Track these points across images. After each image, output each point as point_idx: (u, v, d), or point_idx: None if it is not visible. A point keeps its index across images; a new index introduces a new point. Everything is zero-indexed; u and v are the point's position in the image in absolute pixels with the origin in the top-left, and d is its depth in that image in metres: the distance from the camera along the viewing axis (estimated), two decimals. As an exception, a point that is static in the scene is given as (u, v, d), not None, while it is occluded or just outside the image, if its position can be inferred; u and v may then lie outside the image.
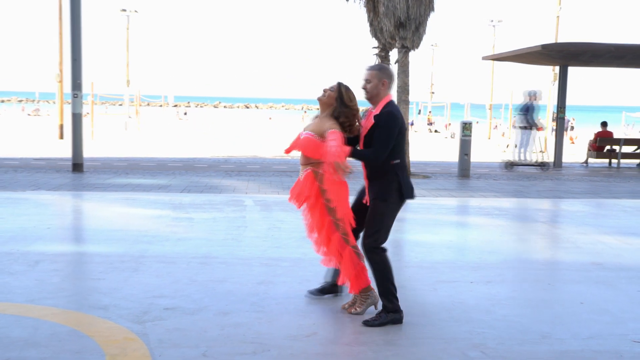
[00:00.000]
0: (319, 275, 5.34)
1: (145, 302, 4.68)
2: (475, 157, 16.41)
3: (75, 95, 13.08)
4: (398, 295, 4.40)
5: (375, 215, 4.35)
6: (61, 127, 27.43)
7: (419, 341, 4.06)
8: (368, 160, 4.35)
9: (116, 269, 5.55)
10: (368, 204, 4.44)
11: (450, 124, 43.47)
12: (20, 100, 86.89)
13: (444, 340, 4.08)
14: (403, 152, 4.45)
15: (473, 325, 4.35)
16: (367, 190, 4.45)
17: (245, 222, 7.81)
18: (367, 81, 4.42)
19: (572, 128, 39.84)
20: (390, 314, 4.34)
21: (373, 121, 4.34)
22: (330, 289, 4.90)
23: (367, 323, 4.35)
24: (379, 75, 4.41)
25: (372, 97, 4.44)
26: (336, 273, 4.71)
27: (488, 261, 6.14)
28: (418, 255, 6.31)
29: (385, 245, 4.39)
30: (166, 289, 5.00)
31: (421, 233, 7.34)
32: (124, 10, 40.90)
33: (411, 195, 4.45)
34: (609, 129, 18.94)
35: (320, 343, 4.01)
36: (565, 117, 20.31)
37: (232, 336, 4.04)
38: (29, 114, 56.62)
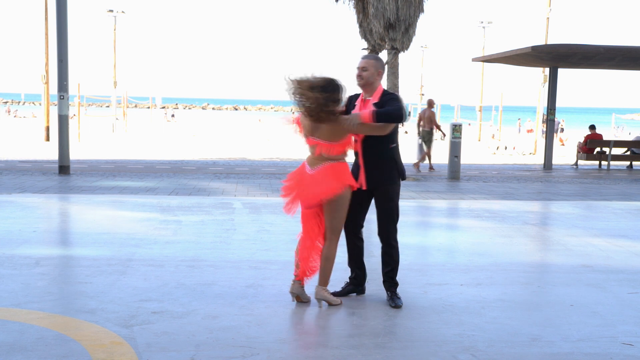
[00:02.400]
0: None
1: (133, 305, 4.64)
2: (465, 159, 16.46)
3: (62, 97, 12.98)
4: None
5: (391, 201, 4.67)
6: (47, 129, 27.23)
7: (409, 344, 4.05)
8: (393, 114, 4.40)
9: (103, 273, 5.50)
10: (364, 188, 4.63)
11: (440, 125, 43.47)
12: (6, 102, 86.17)
13: (434, 343, 4.08)
14: (398, 136, 4.73)
15: (463, 328, 4.34)
16: (364, 177, 4.62)
17: (234, 224, 7.78)
18: (364, 69, 4.60)
19: (562, 130, 40.07)
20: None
21: (373, 108, 4.49)
22: (352, 290, 5.01)
23: (398, 305, 4.72)
24: (375, 65, 4.60)
25: (366, 85, 4.60)
26: (358, 274, 4.94)
27: (478, 264, 6.14)
28: (407, 258, 6.28)
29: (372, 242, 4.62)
30: (154, 293, 4.96)
31: (411, 235, 7.33)
32: (111, 10, 40.57)
33: (405, 176, 4.79)
34: (598, 131, 19.05)
35: (310, 346, 3.99)
36: (556, 119, 20.46)
37: (221, 340, 4.02)
38: (14, 116, 56.23)
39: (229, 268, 5.74)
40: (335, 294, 4.96)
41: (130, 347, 3.86)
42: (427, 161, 16.36)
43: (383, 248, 4.83)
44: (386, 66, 13.75)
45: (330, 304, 4.68)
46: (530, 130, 42.54)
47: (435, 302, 4.91)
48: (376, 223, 4.79)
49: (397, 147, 4.69)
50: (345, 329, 4.33)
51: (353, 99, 4.70)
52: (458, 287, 5.34)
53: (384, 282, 4.88)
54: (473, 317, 4.58)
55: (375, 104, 4.52)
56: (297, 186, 4.63)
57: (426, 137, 16.21)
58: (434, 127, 16.39)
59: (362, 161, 4.62)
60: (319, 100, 4.34)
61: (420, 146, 16.36)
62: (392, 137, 4.59)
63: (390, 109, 4.41)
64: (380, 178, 4.62)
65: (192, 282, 5.28)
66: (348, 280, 5.04)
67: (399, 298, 4.79)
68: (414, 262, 6.15)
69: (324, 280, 4.68)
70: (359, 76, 4.59)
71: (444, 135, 18.43)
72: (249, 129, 43.79)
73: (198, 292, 4.99)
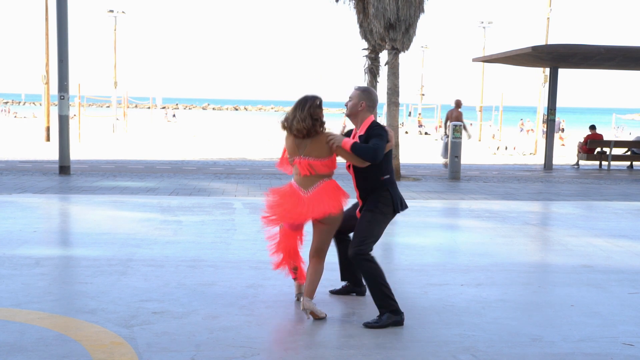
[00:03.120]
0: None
1: (133, 305, 4.64)
2: (465, 159, 16.43)
3: (62, 97, 12.97)
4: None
5: (362, 223, 4.43)
6: (48, 129, 27.19)
7: (409, 344, 4.05)
8: (368, 152, 4.30)
9: (104, 273, 5.50)
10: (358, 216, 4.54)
11: (440, 126, 43.21)
12: (6, 102, 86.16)
13: (435, 343, 4.07)
14: (392, 168, 4.58)
15: (463, 328, 4.34)
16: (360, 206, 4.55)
17: (234, 225, 7.77)
18: (350, 99, 4.58)
19: (563, 130, 39.90)
20: (391, 315, 4.35)
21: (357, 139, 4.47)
22: (352, 289, 5.00)
23: (368, 325, 4.34)
24: (359, 96, 4.55)
25: (350, 115, 4.60)
26: (357, 277, 4.89)
27: (478, 264, 6.13)
28: (408, 258, 6.29)
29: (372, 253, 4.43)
30: (154, 293, 4.96)
31: (411, 236, 7.32)
32: (111, 11, 40.48)
33: (404, 207, 4.58)
34: (598, 131, 19.01)
35: (310, 347, 3.98)
36: (557, 119, 20.49)
37: (221, 340, 4.01)
38: (15, 116, 56.19)
39: (229, 268, 5.74)
40: (334, 292, 4.98)
41: (130, 347, 3.86)
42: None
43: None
44: (386, 66, 13.75)
45: (315, 318, 4.43)
46: (529, 130, 42.42)
47: (436, 302, 4.90)
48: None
49: (391, 179, 4.50)
50: (346, 329, 4.31)
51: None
52: (458, 287, 5.33)
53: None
54: (473, 317, 4.57)
55: (360, 136, 4.47)
56: (293, 209, 4.49)
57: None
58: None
59: (358, 195, 4.55)
60: (301, 115, 4.37)
61: (446, 144, 16.55)
62: (383, 168, 4.44)
63: (367, 146, 4.31)
64: (367, 205, 4.48)
65: (193, 282, 5.27)
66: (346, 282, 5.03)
67: (376, 321, 4.41)
68: (414, 262, 6.15)
69: (311, 292, 4.44)
70: (345, 105, 4.62)
71: (470, 136, 19.06)
72: (249, 129, 43.76)
73: (198, 293, 4.98)
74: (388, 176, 4.48)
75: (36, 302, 4.67)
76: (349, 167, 4.54)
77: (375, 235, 4.44)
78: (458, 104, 17.05)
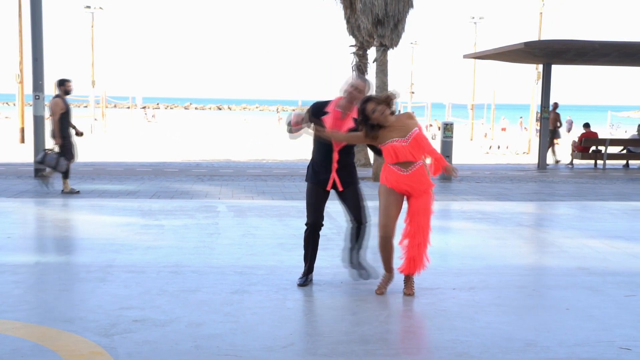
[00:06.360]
0: (296, 283, 5.33)
1: (113, 314, 4.55)
2: (457, 159, 16.39)
3: (37, 97, 12.71)
4: (378, 301, 4.77)
5: (361, 197, 5.24)
6: (22, 130, 26.73)
7: (400, 351, 3.99)
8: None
9: (82, 280, 5.40)
10: (340, 188, 5.15)
11: (431, 124, 42.94)
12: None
13: (427, 349, 4.02)
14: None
15: (456, 334, 4.27)
16: (336, 178, 5.13)
17: (218, 228, 7.65)
18: (359, 91, 5.07)
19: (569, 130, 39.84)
20: None
21: (353, 124, 5.10)
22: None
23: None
24: (368, 87, 5.15)
25: (355, 102, 5.10)
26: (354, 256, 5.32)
27: (471, 267, 6.06)
28: (398, 262, 6.17)
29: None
30: (135, 300, 4.88)
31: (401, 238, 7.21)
32: (88, 7, 39.91)
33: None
34: (593, 129, 19.03)
35: (298, 354, 3.91)
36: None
37: (206, 348, 3.95)
38: None
39: (213, 274, 5.65)
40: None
41: (110, 357, 3.79)
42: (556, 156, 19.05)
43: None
44: (375, 63, 13.63)
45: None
46: (526, 128, 42.46)
47: (427, 307, 4.84)
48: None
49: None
50: (335, 335, 4.25)
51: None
52: (451, 291, 5.26)
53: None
54: (466, 322, 4.51)
55: (354, 119, 5.10)
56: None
57: (551, 135, 18.37)
58: (557, 126, 18.97)
59: (335, 166, 5.21)
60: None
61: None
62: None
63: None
64: (352, 178, 5.29)
65: (175, 288, 5.19)
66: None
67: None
68: (404, 265, 6.05)
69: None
70: (349, 96, 5.14)
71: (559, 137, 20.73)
72: (233, 129, 43.58)
73: (181, 299, 4.90)
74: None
75: (11, 311, 4.57)
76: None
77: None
78: (556, 106, 18.63)
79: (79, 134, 10.51)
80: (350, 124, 5.08)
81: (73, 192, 10.27)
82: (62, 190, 10.30)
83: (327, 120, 5.06)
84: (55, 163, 10.24)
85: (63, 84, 10.44)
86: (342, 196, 5.21)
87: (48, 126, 10.76)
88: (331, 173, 5.13)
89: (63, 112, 10.24)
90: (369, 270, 5.31)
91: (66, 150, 10.34)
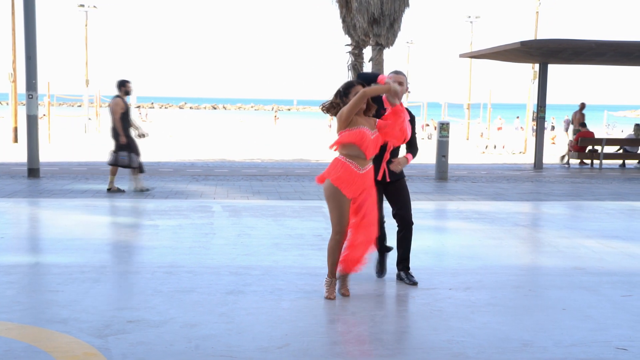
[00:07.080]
0: (291, 284, 5.32)
1: (107, 314, 4.51)
2: (453, 158, 16.38)
3: (30, 96, 12.65)
4: (374, 301, 4.72)
5: (407, 192, 5.48)
6: (15, 130, 26.60)
7: (396, 352, 3.96)
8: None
9: (76, 280, 5.35)
10: (387, 179, 5.29)
11: (427, 124, 42.82)
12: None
13: (423, 350, 3.99)
14: None
15: (452, 334, 4.25)
16: (386, 169, 5.26)
17: (213, 228, 7.62)
18: (400, 83, 5.19)
19: (553, 128, 39.85)
20: None
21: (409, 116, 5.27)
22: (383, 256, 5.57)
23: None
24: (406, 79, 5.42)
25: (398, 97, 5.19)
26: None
27: (467, 267, 6.04)
28: (394, 262, 6.16)
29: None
30: (129, 301, 4.85)
31: (395, 238, 7.21)
32: (82, 5, 39.62)
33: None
34: (589, 128, 19.02)
35: (293, 354, 3.89)
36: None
37: (201, 349, 3.92)
38: None
39: (208, 274, 5.61)
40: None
41: (104, 358, 3.76)
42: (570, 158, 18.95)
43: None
44: (370, 63, 13.64)
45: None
46: (522, 127, 42.51)
47: (423, 307, 4.82)
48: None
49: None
50: (330, 336, 4.23)
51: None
52: (447, 291, 5.24)
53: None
54: (462, 322, 4.49)
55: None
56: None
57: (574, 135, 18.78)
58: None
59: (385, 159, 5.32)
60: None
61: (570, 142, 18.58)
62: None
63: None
64: (400, 173, 5.47)
65: (170, 289, 5.15)
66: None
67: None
68: (399, 265, 6.03)
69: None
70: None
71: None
72: (228, 129, 43.44)
73: (176, 300, 4.86)
74: None
75: (4, 312, 4.53)
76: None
77: None
78: (582, 106, 18.90)
79: (141, 135, 10.65)
80: (405, 114, 5.14)
81: (120, 191, 10.51)
82: (134, 189, 10.49)
83: (388, 116, 5.09)
84: (128, 161, 10.42)
85: (124, 85, 10.57)
86: (387, 192, 5.34)
87: (108, 124, 10.88)
88: (381, 164, 5.21)
89: (123, 112, 10.37)
90: (413, 283, 5.34)
91: (133, 147, 10.49)
